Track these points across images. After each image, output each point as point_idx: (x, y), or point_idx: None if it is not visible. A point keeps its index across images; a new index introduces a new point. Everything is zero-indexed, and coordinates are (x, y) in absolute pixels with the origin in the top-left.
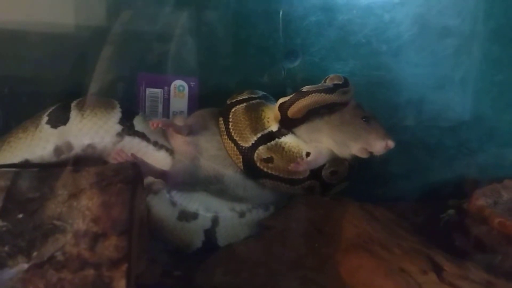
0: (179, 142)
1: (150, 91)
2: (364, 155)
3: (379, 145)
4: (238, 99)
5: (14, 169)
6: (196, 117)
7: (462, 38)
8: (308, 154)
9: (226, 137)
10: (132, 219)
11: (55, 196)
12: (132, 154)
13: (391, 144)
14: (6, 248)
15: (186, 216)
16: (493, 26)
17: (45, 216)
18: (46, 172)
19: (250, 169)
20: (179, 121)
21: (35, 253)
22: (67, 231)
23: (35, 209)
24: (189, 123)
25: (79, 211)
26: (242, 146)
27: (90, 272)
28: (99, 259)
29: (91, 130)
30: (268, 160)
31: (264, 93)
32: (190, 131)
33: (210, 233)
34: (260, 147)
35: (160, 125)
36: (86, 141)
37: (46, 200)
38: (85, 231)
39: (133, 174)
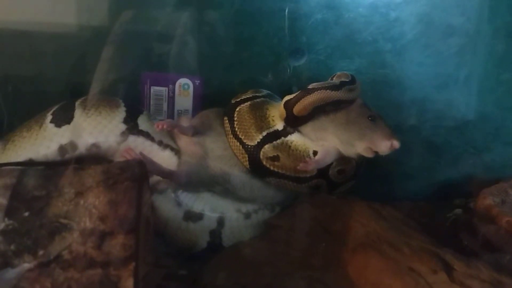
0: (185, 142)
1: (154, 89)
2: (369, 155)
3: (384, 145)
4: (242, 98)
5: (19, 167)
6: (201, 117)
7: (467, 37)
8: (315, 152)
9: (232, 136)
10: (139, 217)
11: (62, 194)
12: (140, 153)
13: (396, 144)
14: (12, 247)
15: (192, 216)
16: (498, 24)
17: (52, 215)
18: (52, 170)
19: (256, 168)
20: (184, 122)
21: (41, 252)
22: (74, 230)
23: (41, 207)
24: (194, 124)
25: (85, 209)
26: (247, 145)
27: (97, 271)
28: (106, 258)
29: (95, 129)
30: (274, 158)
31: (269, 91)
32: (196, 132)
33: (215, 234)
34: (266, 146)
35: (165, 127)
36: (90, 140)
37: (52, 198)
38: (92, 229)
39: (140, 172)
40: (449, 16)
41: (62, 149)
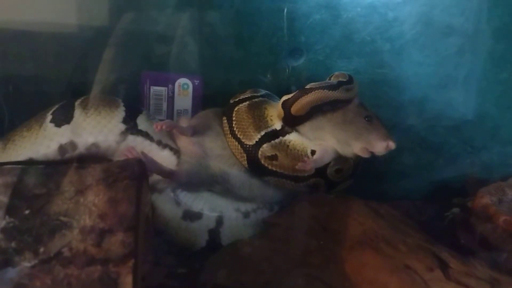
0: (184, 142)
1: (154, 89)
2: (365, 155)
3: (380, 146)
4: (241, 98)
5: (20, 166)
6: (200, 117)
7: (465, 37)
8: (313, 152)
9: (230, 136)
10: (138, 215)
11: (62, 192)
12: (141, 152)
13: (392, 145)
14: (13, 244)
15: (191, 215)
16: (497, 24)
17: (52, 212)
18: (52, 168)
19: (255, 167)
20: (183, 122)
21: (42, 249)
22: (74, 227)
23: (41, 205)
24: (193, 124)
25: (85, 207)
26: (246, 144)
27: (97, 268)
28: (105, 255)
29: (95, 129)
30: (273, 157)
31: (267, 91)
32: (195, 132)
33: (214, 233)
34: (264, 145)
35: (164, 127)
36: (90, 140)
37: (53, 196)
38: (92, 227)
39: (139, 171)
40: (448, 16)
41: (62, 148)
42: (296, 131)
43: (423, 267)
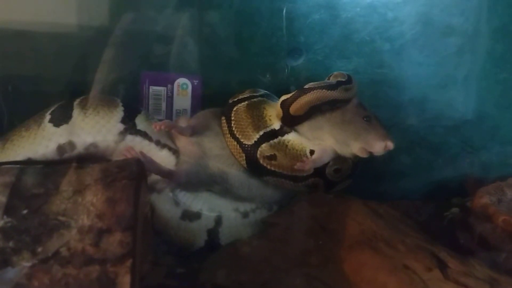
0: (183, 142)
1: (153, 89)
2: (363, 155)
3: (379, 146)
4: (239, 97)
5: (18, 165)
6: (199, 117)
7: (465, 37)
8: (311, 151)
9: (229, 135)
10: (136, 215)
11: (60, 192)
12: (140, 152)
13: (390, 145)
14: (11, 244)
15: (189, 215)
16: (497, 24)
17: (50, 212)
18: (50, 168)
19: (254, 167)
20: (182, 122)
21: (40, 249)
22: (72, 227)
23: (40, 205)
24: (192, 124)
25: (84, 207)
26: (244, 144)
27: (95, 268)
28: (103, 255)
29: (93, 129)
30: (271, 157)
31: (266, 91)
32: (194, 132)
33: (213, 233)
34: (263, 145)
35: (162, 127)
36: (88, 139)
37: (51, 196)
38: (90, 226)
39: (138, 171)
40: (447, 16)
41: (60, 148)
42: (295, 131)
43: (422, 267)
